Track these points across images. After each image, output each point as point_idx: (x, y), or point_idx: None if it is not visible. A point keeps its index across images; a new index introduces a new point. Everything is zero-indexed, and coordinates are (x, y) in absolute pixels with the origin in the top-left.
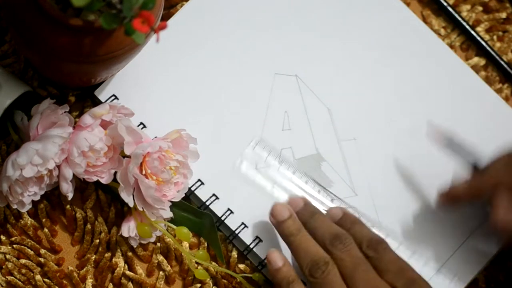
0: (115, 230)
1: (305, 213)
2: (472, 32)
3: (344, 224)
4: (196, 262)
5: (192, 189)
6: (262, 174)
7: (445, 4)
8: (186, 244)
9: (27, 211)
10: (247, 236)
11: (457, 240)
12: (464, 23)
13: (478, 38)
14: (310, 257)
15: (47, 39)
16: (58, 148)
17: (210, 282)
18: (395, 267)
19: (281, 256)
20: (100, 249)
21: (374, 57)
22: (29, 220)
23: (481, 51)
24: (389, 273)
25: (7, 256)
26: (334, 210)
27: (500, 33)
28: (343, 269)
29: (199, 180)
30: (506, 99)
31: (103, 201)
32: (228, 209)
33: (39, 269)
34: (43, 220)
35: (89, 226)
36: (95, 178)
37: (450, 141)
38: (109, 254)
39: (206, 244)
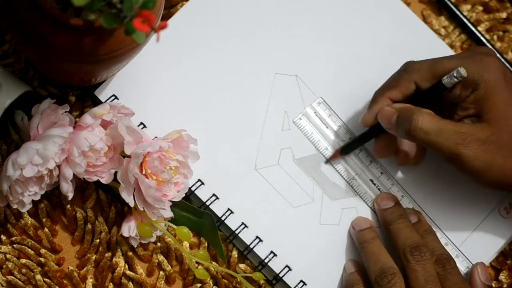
0: (116, 230)
1: (394, 213)
2: (474, 30)
3: (417, 231)
4: (197, 262)
5: (192, 189)
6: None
7: (448, 2)
8: (186, 244)
9: (28, 211)
10: (247, 236)
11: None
12: (466, 21)
13: (480, 36)
14: (379, 265)
15: (48, 39)
16: (59, 148)
17: (211, 282)
18: None
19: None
20: (100, 249)
21: (375, 57)
22: (29, 220)
23: None
24: None
25: (8, 256)
26: (410, 214)
27: (501, 33)
28: (413, 281)
29: (199, 180)
30: None
31: (104, 201)
32: (228, 209)
33: (39, 268)
34: (44, 219)
35: (89, 226)
36: (95, 178)
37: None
38: (110, 254)
39: (206, 244)
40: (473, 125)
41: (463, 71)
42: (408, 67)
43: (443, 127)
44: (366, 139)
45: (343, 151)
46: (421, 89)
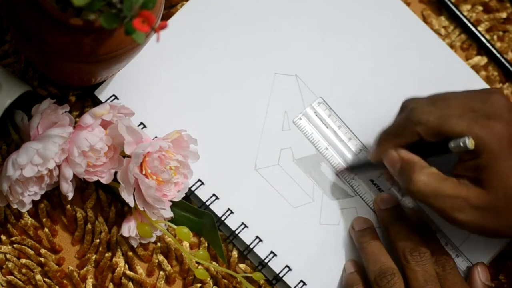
0: (116, 230)
1: (393, 213)
2: (474, 30)
3: (417, 231)
4: (197, 262)
5: (192, 189)
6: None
7: (448, 2)
8: (186, 244)
9: (28, 211)
10: (247, 236)
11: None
12: (466, 21)
13: (480, 36)
14: (379, 266)
15: (48, 39)
16: (59, 148)
17: (211, 282)
18: None
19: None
20: (100, 249)
21: (375, 57)
22: (29, 220)
23: (482, 50)
24: None
25: (8, 256)
26: (410, 214)
27: (501, 33)
28: (412, 282)
29: (199, 180)
30: None
31: (104, 201)
32: (228, 209)
33: (39, 268)
34: (44, 219)
35: (89, 226)
36: (95, 178)
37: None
38: (110, 254)
39: (206, 244)
40: (471, 189)
41: (470, 144)
42: (415, 118)
43: (440, 191)
44: (377, 169)
45: (352, 170)
46: (425, 140)
